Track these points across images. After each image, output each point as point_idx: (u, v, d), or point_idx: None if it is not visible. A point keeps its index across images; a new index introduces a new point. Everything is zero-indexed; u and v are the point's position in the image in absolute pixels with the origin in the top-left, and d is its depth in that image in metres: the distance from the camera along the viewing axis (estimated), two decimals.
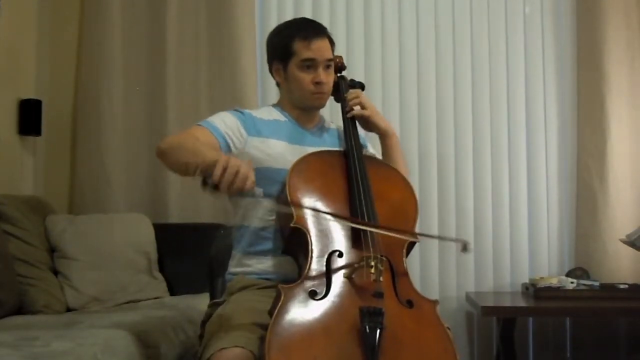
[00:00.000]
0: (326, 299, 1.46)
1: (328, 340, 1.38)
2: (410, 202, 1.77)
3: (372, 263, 1.49)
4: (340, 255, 1.56)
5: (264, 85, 3.15)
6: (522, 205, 3.17)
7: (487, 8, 3.23)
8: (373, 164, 1.82)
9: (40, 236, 2.54)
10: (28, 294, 2.37)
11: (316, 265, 1.53)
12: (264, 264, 1.78)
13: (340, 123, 1.96)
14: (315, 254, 1.55)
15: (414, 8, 3.21)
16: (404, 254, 1.64)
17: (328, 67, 1.86)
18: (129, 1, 3.16)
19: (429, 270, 3.12)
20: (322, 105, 1.91)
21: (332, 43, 1.89)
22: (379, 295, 1.47)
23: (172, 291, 2.77)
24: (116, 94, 3.11)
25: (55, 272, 2.53)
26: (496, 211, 3.16)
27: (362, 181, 1.70)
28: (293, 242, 1.64)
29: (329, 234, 1.59)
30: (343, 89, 1.97)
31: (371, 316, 1.38)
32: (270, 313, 1.42)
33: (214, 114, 1.87)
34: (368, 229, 1.58)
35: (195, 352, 1.86)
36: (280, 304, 1.41)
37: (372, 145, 2.05)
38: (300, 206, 1.60)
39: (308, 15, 3.08)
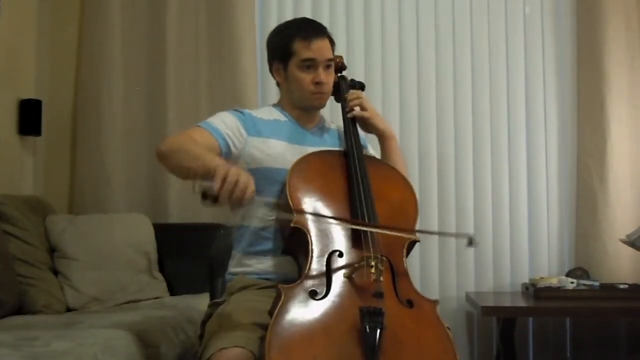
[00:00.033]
0: (326, 299, 1.46)
1: (328, 340, 1.38)
2: (411, 201, 1.77)
3: (372, 263, 1.49)
4: (341, 255, 1.56)
5: (264, 85, 3.15)
6: (522, 205, 3.17)
7: (487, 8, 3.22)
8: (373, 164, 1.82)
9: (40, 236, 2.54)
10: (28, 294, 2.37)
11: (316, 265, 1.53)
12: (264, 264, 1.78)
13: (340, 123, 1.96)
14: (315, 253, 1.55)
15: (414, 8, 3.21)
16: (404, 254, 1.64)
17: (328, 67, 1.86)
18: (129, 1, 3.16)
19: (429, 270, 3.12)
20: (322, 105, 1.91)
21: (332, 43, 1.89)
22: (379, 295, 1.47)
23: (172, 291, 2.77)
24: (116, 94, 3.11)
25: (55, 272, 2.53)
26: (496, 211, 3.16)
27: (362, 181, 1.69)
28: (293, 242, 1.64)
29: (329, 233, 1.59)
30: (343, 89, 1.97)
31: (371, 316, 1.38)
32: (271, 313, 1.42)
33: (214, 114, 1.87)
34: (368, 229, 1.58)
35: (195, 352, 1.86)
36: (280, 303, 1.41)
37: (372, 147, 2.05)
38: (301, 212, 1.60)
39: (308, 15, 3.07)
